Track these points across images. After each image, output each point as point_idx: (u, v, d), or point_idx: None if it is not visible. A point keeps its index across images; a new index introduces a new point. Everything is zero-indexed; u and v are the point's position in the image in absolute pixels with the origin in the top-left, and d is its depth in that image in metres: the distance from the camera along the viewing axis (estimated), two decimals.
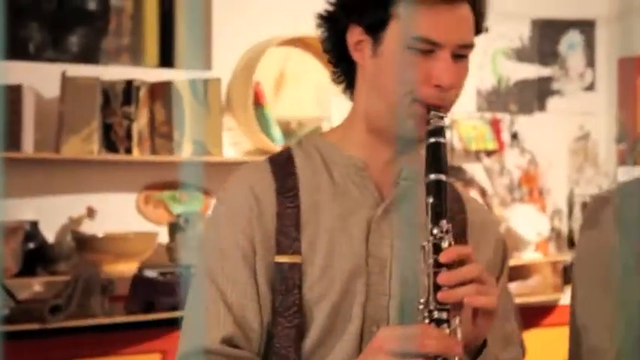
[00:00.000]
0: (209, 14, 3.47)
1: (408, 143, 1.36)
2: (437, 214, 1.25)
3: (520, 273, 3.91)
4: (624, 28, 4.38)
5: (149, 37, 3.60)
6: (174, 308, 2.77)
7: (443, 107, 1.31)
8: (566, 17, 4.38)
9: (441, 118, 1.30)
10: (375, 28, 1.32)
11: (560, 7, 4.33)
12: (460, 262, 1.23)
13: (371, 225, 1.35)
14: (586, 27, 4.45)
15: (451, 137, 3.88)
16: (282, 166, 1.38)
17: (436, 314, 1.21)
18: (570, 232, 4.29)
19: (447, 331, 1.21)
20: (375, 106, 1.35)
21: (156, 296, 2.84)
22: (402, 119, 1.32)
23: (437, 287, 1.21)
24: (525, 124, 4.23)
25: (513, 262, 3.84)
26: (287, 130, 3.46)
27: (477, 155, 4.04)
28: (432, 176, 1.26)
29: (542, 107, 4.35)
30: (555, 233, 4.21)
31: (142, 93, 3.20)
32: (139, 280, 3.02)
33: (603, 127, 4.43)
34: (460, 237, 1.37)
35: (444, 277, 1.21)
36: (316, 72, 3.44)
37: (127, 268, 3.09)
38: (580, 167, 4.39)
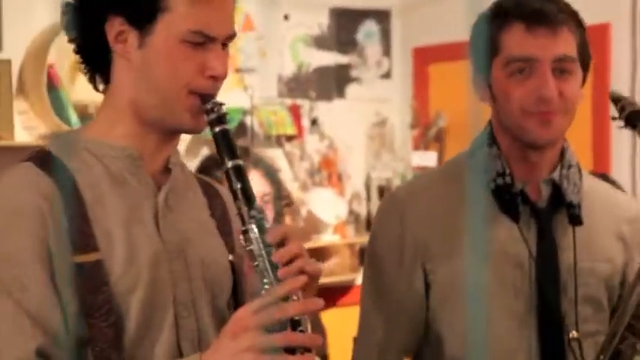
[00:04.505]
0: None
1: (178, 132, 1.39)
2: (248, 198, 1.30)
3: (319, 255, 4.01)
4: (418, 18, 4.58)
5: None
6: None
7: (215, 97, 1.34)
8: (363, 7, 4.52)
9: (221, 105, 1.33)
10: (142, 20, 1.31)
11: None
12: (282, 239, 1.29)
13: (158, 214, 1.36)
14: (382, 17, 4.62)
15: (251, 122, 3.92)
16: (51, 164, 1.32)
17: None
18: (368, 215, 4.44)
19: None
20: (147, 100, 1.34)
21: None
22: (178, 113, 1.33)
23: (273, 266, 1.27)
24: (325, 110, 4.34)
25: (313, 244, 3.95)
26: (84, 114, 3.38)
27: (277, 140, 4.10)
28: (230, 163, 1.30)
29: (340, 94, 4.47)
30: (354, 216, 4.35)
31: None
32: None
33: (398, 113, 4.61)
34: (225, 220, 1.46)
35: (278, 255, 1.27)
36: None
37: None
38: (377, 152, 4.55)
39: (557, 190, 1.63)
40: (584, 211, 1.64)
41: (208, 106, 1.32)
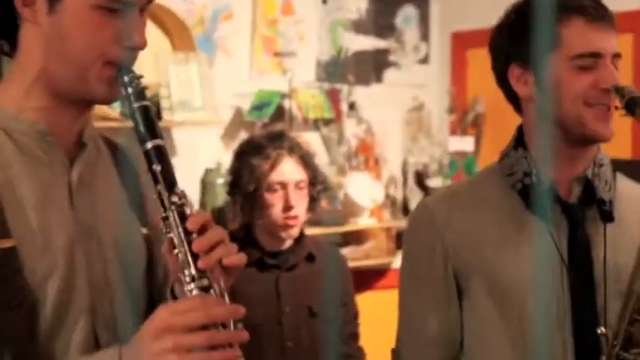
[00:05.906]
0: None
1: (92, 103, 1.31)
2: (169, 182, 1.22)
3: (356, 238, 4.04)
4: (456, 3, 4.56)
5: None
6: None
7: (131, 67, 1.26)
8: None
9: (139, 78, 1.24)
10: None
11: None
12: (202, 226, 1.21)
13: (72, 192, 1.28)
14: (420, 1, 4.61)
15: (290, 106, 3.95)
16: None
17: (204, 282, 1.19)
18: (404, 199, 4.45)
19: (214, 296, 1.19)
20: (59, 70, 1.25)
21: None
22: (93, 83, 1.25)
23: (194, 256, 1.19)
24: (362, 94, 4.35)
25: (350, 228, 3.97)
26: None
27: (315, 124, 4.12)
28: (150, 144, 1.22)
29: (378, 78, 4.48)
30: (390, 200, 4.36)
31: None
32: None
33: (436, 98, 4.61)
34: None
35: (199, 244, 1.19)
36: (155, 38, 3.42)
37: None
38: (414, 137, 4.55)
39: (588, 188, 1.64)
40: (617, 209, 1.65)
41: (126, 78, 1.23)
